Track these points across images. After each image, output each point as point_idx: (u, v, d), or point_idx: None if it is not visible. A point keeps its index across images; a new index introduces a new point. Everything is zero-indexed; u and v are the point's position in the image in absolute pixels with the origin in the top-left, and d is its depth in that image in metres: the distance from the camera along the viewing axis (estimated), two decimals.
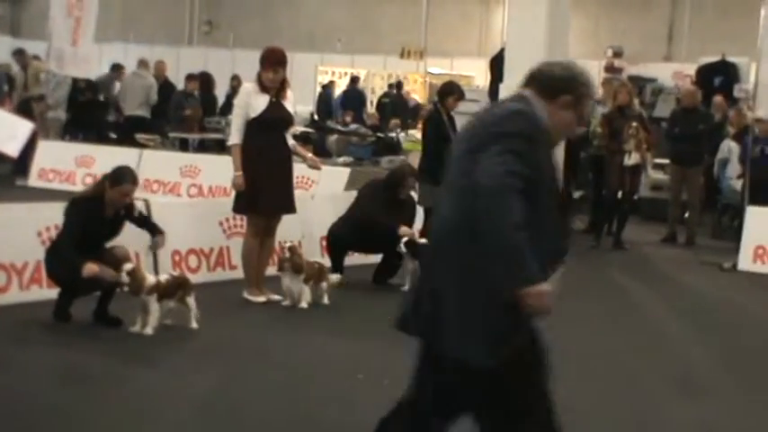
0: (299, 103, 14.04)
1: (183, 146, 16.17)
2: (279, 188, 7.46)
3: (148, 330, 6.37)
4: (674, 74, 18.18)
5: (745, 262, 10.55)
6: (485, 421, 3.27)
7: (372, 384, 5.65)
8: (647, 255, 11.51)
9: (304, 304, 7.44)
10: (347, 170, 13.23)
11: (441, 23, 26.42)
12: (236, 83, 16.67)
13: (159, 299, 6.43)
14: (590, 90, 3.34)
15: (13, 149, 11.12)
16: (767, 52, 11.34)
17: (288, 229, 7.96)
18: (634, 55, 20.17)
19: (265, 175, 7.35)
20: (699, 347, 7.10)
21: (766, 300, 9.20)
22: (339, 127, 19.39)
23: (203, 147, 16.52)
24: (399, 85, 22.37)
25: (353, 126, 19.22)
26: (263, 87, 7.37)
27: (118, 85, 17.17)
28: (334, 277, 7.84)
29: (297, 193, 7.87)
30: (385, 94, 22.12)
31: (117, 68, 17.73)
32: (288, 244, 7.58)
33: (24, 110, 14.39)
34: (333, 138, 18.63)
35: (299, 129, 14.76)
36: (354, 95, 21.99)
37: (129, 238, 6.96)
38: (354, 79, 22.67)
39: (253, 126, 7.35)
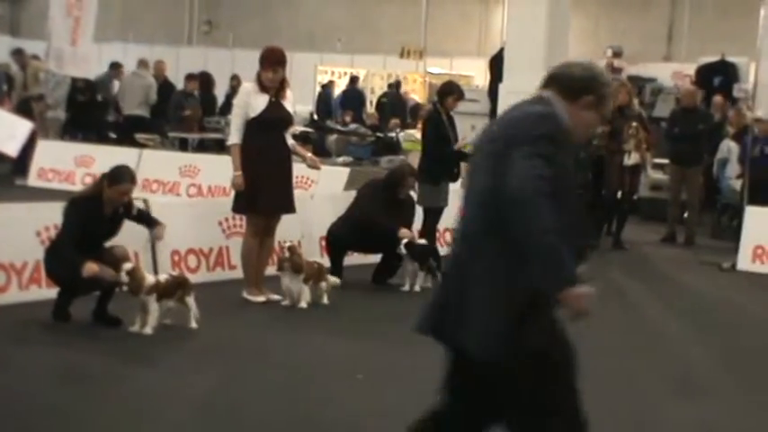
0: (299, 103, 14.04)
1: (183, 146, 16.17)
2: (278, 188, 7.46)
3: (148, 330, 6.37)
4: (673, 74, 18.18)
5: (745, 262, 10.55)
6: (513, 422, 3.27)
7: (372, 384, 5.66)
8: (646, 254, 11.52)
9: (303, 304, 7.44)
10: (347, 170, 13.23)
11: (440, 23, 26.42)
12: (235, 83, 16.67)
13: (158, 299, 6.43)
14: (611, 90, 3.35)
15: (13, 149, 11.11)
16: (767, 52, 11.34)
17: (287, 229, 7.96)
18: (634, 55, 20.17)
19: (265, 174, 7.34)
20: (698, 347, 7.10)
21: (765, 300, 9.20)
22: (338, 127, 19.40)
23: (203, 146, 16.52)
24: (398, 84, 22.38)
25: (353, 126, 19.22)
26: (263, 87, 7.37)
27: (117, 84, 17.17)
28: (332, 280, 7.84)
29: (296, 192, 7.87)
30: (384, 94, 22.13)
31: (115, 67, 17.73)
32: (287, 244, 7.58)
33: (24, 109, 14.39)
34: (332, 137, 18.63)
35: (298, 128, 14.74)
36: (354, 95, 21.99)
37: (128, 238, 6.96)
38: (354, 79, 22.66)
39: (252, 126, 7.34)
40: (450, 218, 9.68)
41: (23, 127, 11.20)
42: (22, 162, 13.49)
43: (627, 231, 11.74)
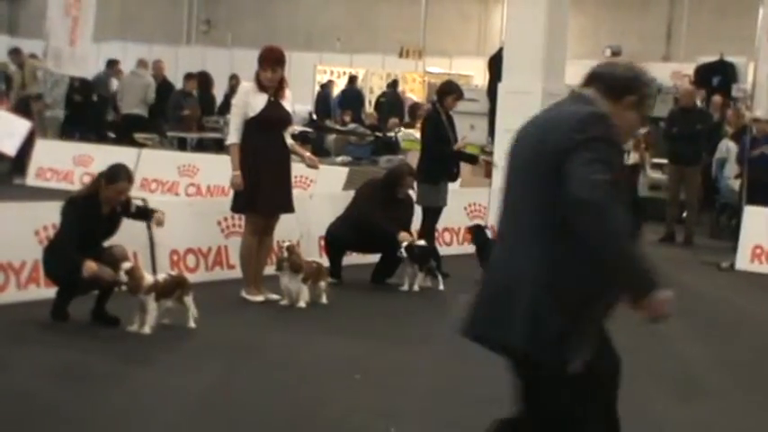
0: (298, 103, 14.05)
1: (182, 145, 16.17)
2: (277, 187, 7.46)
3: (146, 329, 6.37)
4: (672, 74, 18.19)
5: (743, 261, 10.56)
6: (535, 420, 3.27)
7: (370, 384, 5.66)
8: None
9: (302, 304, 7.43)
10: (345, 170, 13.23)
11: (439, 23, 26.41)
12: (234, 82, 16.66)
13: (157, 298, 6.42)
14: (652, 90, 3.33)
15: (11, 148, 11.14)
16: (765, 52, 11.34)
17: (286, 229, 7.96)
18: (632, 55, 20.15)
19: (264, 174, 7.34)
20: (696, 347, 7.10)
21: (764, 299, 9.20)
22: (337, 126, 19.39)
23: (202, 146, 16.51)
24: (395, 83, 22.37)
25: (352, 125, 19.21)
26: (262, 87, 7.37)
27: (114, 83, 17.16)
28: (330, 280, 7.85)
29: (295, 192, 7.87)
30: (383, 94, 22.13)
31: (112, 64, 17.72)
32: (286, 243, 7.57)
33: (22, 109, 14.40)
34: (331, 137, 18.62)
35: (297, 128, 14.74)
36: (353, 95, 21.98)
37: (127, 238, 6.96)
38: (352, 79, 22.65)
39: (251, 125, 7.34)
40: (449, 218, 9.71)
41: (22, 126, 11.23)
42: (20, 161, 13.50)
43: None
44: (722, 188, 12.94)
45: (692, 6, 23.99)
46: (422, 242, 8.49)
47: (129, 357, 5.96)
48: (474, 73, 22.52)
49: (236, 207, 7.64)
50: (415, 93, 23.46)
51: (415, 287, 8.35)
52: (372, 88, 23.90)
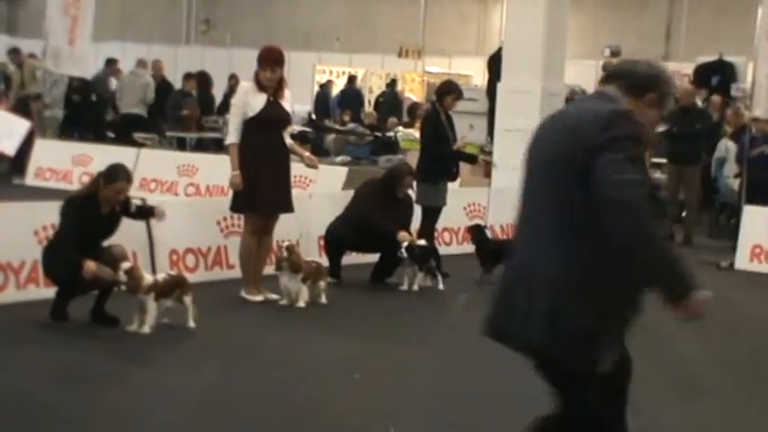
0: (297, 103, 14.05)
1: (181, 145, 16.17)
2: (276, 187, 7.45)
3: (146, 329, 6.37)
4: (671, 73, 18.17)
5: (742, 261, 10.56)
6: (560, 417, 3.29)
7: (369, 384, 5.66)
8: None
9: (301, 303, 7.43)
10: (345, 169, 13.23)
11: (439, 22, 26.41)
12: (233, 82, 16.66)
13: (157, 298, 6.42)
14: (672, 88, 3.34)
15: (10, 148, 11.12)
16: (764, 52, 11.34)
17: (285, 229, 7.96)
18: (632, 54, 20.15)
19: (263, 174, 7.34)
20: (696, 346, 7.09)
21: (763, 299, 9.20)
22: (337, 126, 19.39)
23: (201, 146, 16.51)
24: (393, 83, 22.37)
25: (351, 125, 19.21)
26: (261, 86, 7.37)
27: (114, 82, 17.15)
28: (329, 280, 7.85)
29: (294, 192, 7.87)
30: (382, 94, 22.14)
31: (111, 63, 17.70)
32: (285, 243, 7.57)
33: (21, 108, 14.39)
34: (330, 137, 18.63)
35: (296, 128, 14.74)
36: (352, 95, 21.99)
37: (127, 237, 6.95)
38: (352, 78, 22.65)
39: (250, 125, 7.34)
40: (448, 217, 9.71)
41: (21, 126, 11.21)
42: (19, 161, 13.49)
43: None
44: (721, 188, 12.94)
45: (691, 6, 24.00)
46: (422, 242, 8.49)
47: (128, 357, 5.96)
48: (473, 73, 22.53)
49: (236, 207, 7.63)
50: (414, 92, 23.46)
51: (415, 287, 8.35)
52: (372, 88, 23.91)
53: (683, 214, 12.41)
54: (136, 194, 7.25)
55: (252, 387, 5.47)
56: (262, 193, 7.36)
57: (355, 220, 8.36)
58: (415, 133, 14.23)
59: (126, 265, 6.43)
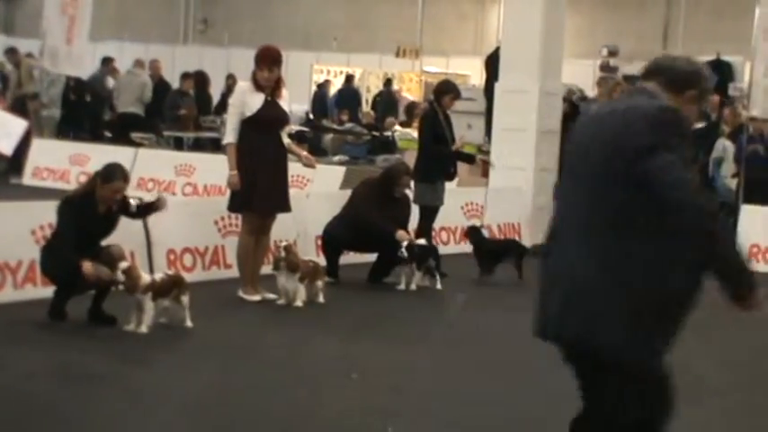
0: (295, 102, 14.05)
1: (178, 144, 16.16)
2: (274, 187, 7.45)
3: (143, 329, 6.36)
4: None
5: None
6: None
7: (367, 383, 5.65)
8: None
9: (299, 303, 7.43)
10: (342, 169, 13.23)
11: (436, 22, 26.41)
12: (231, 81, 16.64)
13: (154, 297, 6.41)
14: (711, 85, 3.34)
15: (8, 147, 11.11)
16: (761, 51, 11.35)
17: (283, 228, 7.96)
18: (629, 54, 20.19)
19: (260, 173, 7.33)
20: (695, 346, 7.08)
21: (762, 298, 9.19)
22: (334, 126, 19.38)
23: (198, 145, 16.50)
24: (388, 81, 22.35)
25: (349, 125, 19.20)
26: (259, 86, 7.36)
27: (111, 81, 17.14)
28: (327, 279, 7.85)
29: (292, 191, 7.86)
30: (379, 93, 22.13)
31: (107, 62, 17.66)
32: (283, 243, 7.56)
33: (18, 108, 14.37)
34: (328, 137, 18.62)
35: (294, 128, 14.74)
36: (350, 94, 21.97)
37: (124, 237, 6.94)
38: (349, 78, 22.64)
39: (248, 125, 7.33)
40: (446, 217, 9.71)
41: (18, 125, 11.20)
42: (16, 161, 13.48)
43: None
44: (719, 187, 12.93)
45: (688, 6, 24.02)
46: (422, 241, 8.49)
47: (125, 357, 5.95)
48: (471, 72, 22.53)
49: (233, 206, 7.63)
50: (412, 92, 23.46)
51: (413, 286, 8.34)
52: (369, 88, 23.91)
53: None
54: (133, 194, 7.23)
55: (249, 386, 5.47)
56: (259, 193, 7.35)
57: (353, 220, 8.35)
58: (413, 133, 14.23)
59: (124, 264, 6.42)
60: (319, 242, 8.76)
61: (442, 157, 8.96)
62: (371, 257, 8.66)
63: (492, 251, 9.02)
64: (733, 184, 12.24)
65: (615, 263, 3.07)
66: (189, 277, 7.27)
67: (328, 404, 5.24)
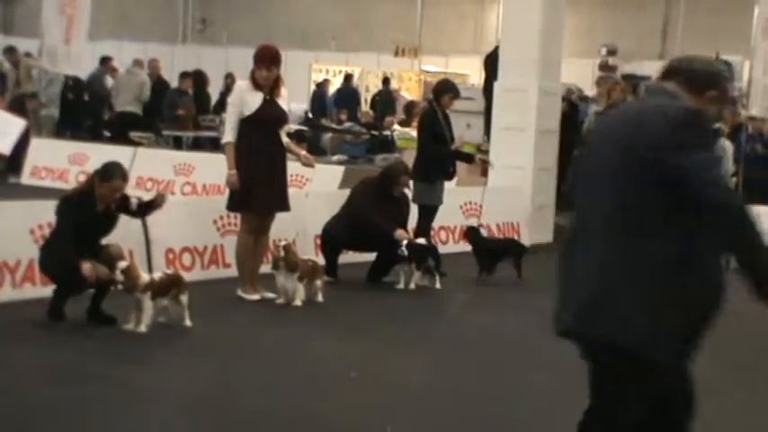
0: (294, 101, 14.03)
1: (177, 144, 16.15)
2: (273, 186, 7.45)
3: (142, 328, 6.36)
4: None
5: None
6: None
7: (366, 382, 5.65)
8: None
9: (298, 302, 7.42)
10: (341, 168, 13.22)
11: (435, 21, 26.42)
12: (230, 81, 16.63)
13: (153, 297, 6.41)
14: (731, 86, 3.34)
15: (6, 147, 11.11)
16: (760, 50, 11.35)
17: (282, 228, 7.95)
18: (628, 53, 20.21)
19: (259, 173, 7.33)
20: None
21: None
22: (333, 125, 19.37)
23: (197, 145, 16.49)
24: (386, 80, 22.36)
25: (348, 124, 19.20)
26: (257, 85, 7.36)
27: (110, 80, 17.14)
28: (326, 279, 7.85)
29: (291, 191, 7.85)
30: (378, 92, 22.13)
31: (105, 61, 17.66)
32: (282, 242, 7.56)
33: (17, 107, 14.36)
34: (327, 136, 18.61)
35: (293, 127, 14.73)
36: (348, 93, 21.96)
37: (123, 236, 6.94)
38: (348, 77, 22.64)
39: (247, 124, 7.33)
40: (444, 216, 9.70)
41: (17, 125, 11.20)
42: (15, 160, 13.48)
43: None
44: None
45: (687, 5, 24.03)
46: (421, 241, 8.49)
47: (124, 356, 5.94)
48: (470, 71, 22.53)
49: (232, 206, 7.62)
50: (411, 91, 23.46)
51: (411, 286, 8.34)
52: (368, 87, 23.90)
53: None
54: (132, 193, 7.22)
55: (248, 385, 5.47)
56: (258, 192, 7.35)
57: (352, 219, 8.35)
58: (412, 132, 14.22)
59: (123, 264, 6.42)
60: (318, 241, 8.75)
61: (441, 157, 8.95)
62: (370, 257, 8.66)
63: (491, 250, 9.02)
64: (732, 183, 12.25)
65: (633, 262, 3.07)
66: (188, 276, 7.26)
67: (327, 403, 5.23)
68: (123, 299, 6.43)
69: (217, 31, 29.04)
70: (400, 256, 8.23)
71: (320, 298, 7.62)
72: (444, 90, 9.05)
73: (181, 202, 10.18)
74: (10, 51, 16.80)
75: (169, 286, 6.55)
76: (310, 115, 20.46)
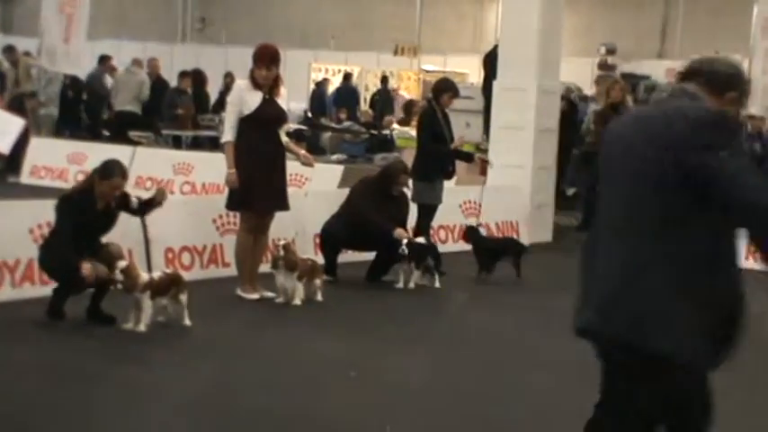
0: (293, 101, 14.03)
1: (177, 143, 16.14)
2: (272, 185, 7.45)
3: (141, 327, 6.36)
4: (667, 71, 18.19)
5: (739, 259, 10.54)
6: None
7: (365, 381, 5.65)
8: None
9: (297, 301, 7.42)
10: (340, 167, 13.22)
11: (434, 20, 26.42)
12: (229, 80, 16.62)
13: (153, 296, 6.41)
14: (750, 87, 3.34)
15: (5, 146, 11.11)
16: (759, 49, 11.36)
17: (281, 227, 7.95)
18: (627, 52, 20.22)
19: (259, 172, 7.33)
20: None
21: (760, 296, 9.19)
22: (333, 124, 19.37)
23: (196, 144, 16.48)
24: (384, 80, 22.35)
25: (347, 123, 19.19)
26: (257, 84, 7.35)
27: (109, 79, 17.13)
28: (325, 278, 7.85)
29: (290, 190, 7.86)
30: (377, 92, 22.14)
31: (104, 60, 17.65)
32: (281, 241, 7.56)
33: (16, 106, 14.36)
34: (326, 135, 18.60)
35: (292, 126, 14.72)
36: (348, 93, 21.96)
37: (122, 235, 6.94)
38: (347, 76, 22.63)
39: (246, 123, 7.33)
40: (444, 215, 9.70)
41: (16, 124, 11.20)
42: (14, 159, 13.47)
43: None
44: None
45: (686, 4, 24.03)
46: (422, 239, 8.49)
47: (124, 355, 5.94)
48: (469, 70, 22.53)
49: (231, 205, 7.62)
50: (410, 90, 23.45)
51: (411, 285, 8.34)
52: (367, 86, 23.90)
53: None
54: (131, 193, 7.22)
55: (248, 385, 5.47)
56: (257, 192, 7.35)
57: (351, 218, 8.35)
58: (412, 131, 14.21)
59: (122, 264, 6.42)
60: (317, 240, 8.75)
61: (440, 156, 8.95)
62: (370, 256, 8.66)
63: (491, 249, 9.02)
64: None
65: (657, 261, 3.07)
66: (187, 276, 7.26)
67: (327, 402, 5.24)
68: (123, 298, 6.43)
69: (216, 30, 29.03)
70: (400, 255, 8.23)
71: (319, 297, 7.62)
72: (444, 89, 9.05)
73: (180, 202, 10.18)
74: (9, 50, 16.79)
75: (168, 285, 6.55)
76: (309, 114, 20.45)
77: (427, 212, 9.00)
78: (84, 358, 5.83)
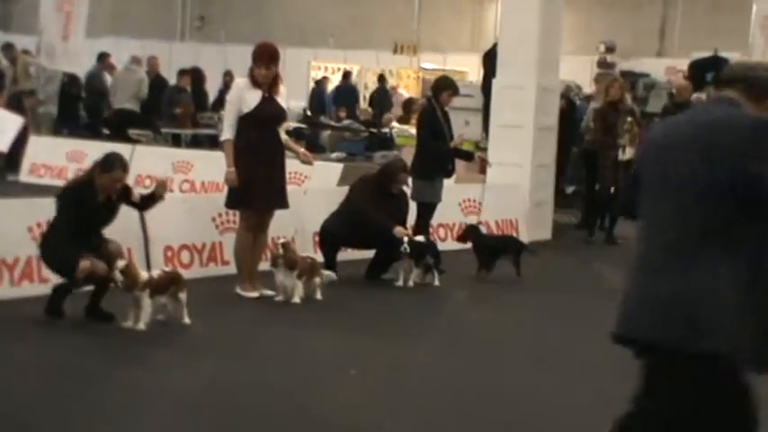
0: (292, 99, 14.00)
1: (176, 141, 16.14)
2: (271, 184, 7.45)
3: (141, 326, 6.36)
4: (666, 69, 18.21)
5: None
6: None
7: (365, 379, 5.65)
8: None
9: (297, 300, 7.43)
10: (340, 165, 13.21)
11: (434, 19, 26.41)
12: (228, 78, 16.61)
13: (152, 294, 6.41)
14: None
15: (4, 144, 11.10)
16: (758, 47, 11.36)
17: (281, 225, 7.95)
18: (626, 50, 20.21)
19: (258, 170, 7.33)
20: None
21: None
22: (332, 122, 19.36)
23: (196, 142, 16.47)
24: (381, 78, 22.34)
25: (346, 122, 19.19)
26: (256, 83, 7.35)
27: (108, 77, 17.12)
28: (327, 274, 7.83)
29: (289, 188, 7.86)
30: (377, 90, 22.13)
31: (103, 58, 17.64)
32: (281, 240, 7.56)
33: (15, 105, 14.34)
34: (326, 133, 18.60)
35: (291, 124, 14.71)
36: (347, 91, 21.95)
37: (122, 234, 6.94)
38: (346, 74, 22.62)
39: (245, 122, 7.33)
40: (443, 213, 9.70)
41: (14, 122, 11.18)
42: (13, 158, 13.46)
43: (620, 226, 11.75)
44: None
45: (685, 2, 24.04)
46: (420, 238, 8.49)
47: (123, 354, 5.95)
48: (468, 69, 22.52)
49: (231, 203, 7.62)
50: (409, 89, 23.44)
51: (410, 283, 8.34)
52: (367, 84, 23.89)
53: None
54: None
55: (247, 383, 5.47)
56: (257, 190, 7.35)
57: (350, 216, 8.34)
58: (411, 129, 14.21)
59: (121, 263, 6.42)
60: (317, 239, 8.75)
61: (440, 154, 8.95)
62: (369, 254, 8.66)
63: (490, 247, 9.02)
64: None
65: (705, 273, 3.05)
66: (186, 274, 7.26)
67: (326, 400, 5.24)
68: (122, 296, 6.43)
69: (215, 28, 29.01)
70: (399, 253, 8.22)
71: (319, 295, 7.62)
72: (443, 87, 9.05)
73: (179, 200, 10.18)
74: (8, 48, 16.76)
75: (168, 284, 6.55)
76: (309, 113, 20.45)
77: (427, 211, 9.00)
78: (83, 356, 5.83)
